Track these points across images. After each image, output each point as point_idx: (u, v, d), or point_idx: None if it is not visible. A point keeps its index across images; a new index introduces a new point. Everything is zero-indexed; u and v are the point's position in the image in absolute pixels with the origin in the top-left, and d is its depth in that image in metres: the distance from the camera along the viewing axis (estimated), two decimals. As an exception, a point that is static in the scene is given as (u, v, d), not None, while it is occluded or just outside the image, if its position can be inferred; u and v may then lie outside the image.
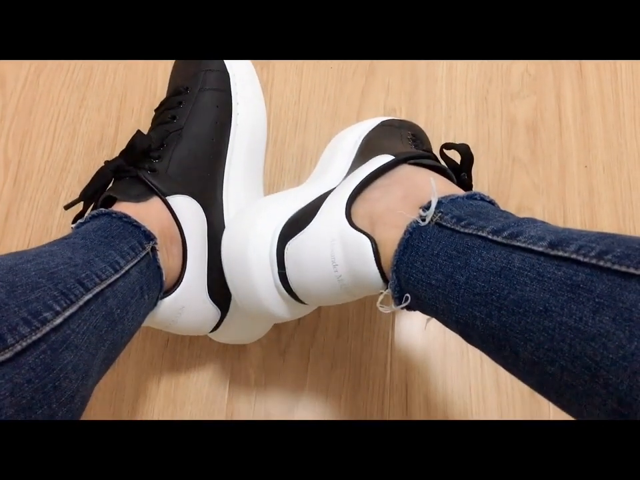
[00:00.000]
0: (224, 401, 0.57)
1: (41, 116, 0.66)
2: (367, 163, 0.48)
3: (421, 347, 0.60)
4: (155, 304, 0.45)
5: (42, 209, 0.63)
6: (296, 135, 0.67)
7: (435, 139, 0.67)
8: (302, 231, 0.44)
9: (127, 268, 0.40)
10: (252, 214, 0.47)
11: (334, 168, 0.53)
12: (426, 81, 0.70)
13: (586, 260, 0.29)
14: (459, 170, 0.47)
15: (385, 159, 0.46)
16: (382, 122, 0.59)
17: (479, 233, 0.35)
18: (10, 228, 0.62)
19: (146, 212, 0.47)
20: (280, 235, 0.45)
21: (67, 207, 0.49)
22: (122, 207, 0.47)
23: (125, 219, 0.44)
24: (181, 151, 0.52)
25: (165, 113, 0.55)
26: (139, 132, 0.52)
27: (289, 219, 0.46)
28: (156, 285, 0.44)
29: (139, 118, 0.67)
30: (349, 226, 0.41)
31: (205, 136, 0.54)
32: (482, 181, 0.66)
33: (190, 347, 0.59)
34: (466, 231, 0.36)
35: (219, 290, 0.50)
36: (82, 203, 0.49)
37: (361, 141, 0.56)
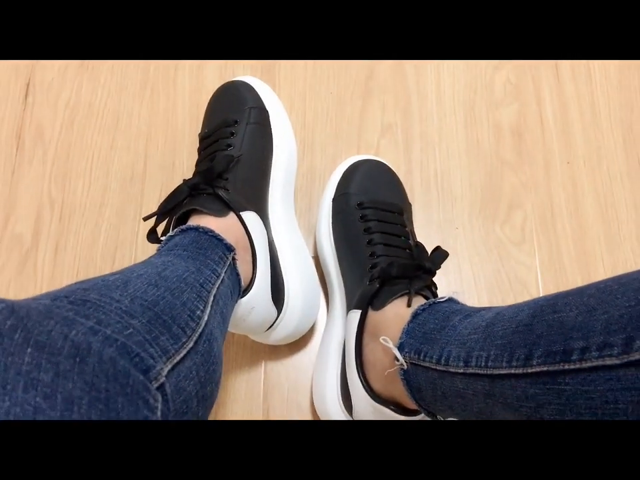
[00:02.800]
0: (260, 397, 0.65)
1: (78, 158, 0.75)
2: (347, 321, 0.58)
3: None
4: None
5: (86, 241, 0.71)
6: (304, 156, 0.75)
7: (429, 149, 0.75)
8: (353, 409, 0.56)
9: (222, 275, 0.48)
10: (320, 386, 0.61)
11: (336, 301, 0.65)
12: (417, 96, 0.78)
13: (481, 372, 0.39)
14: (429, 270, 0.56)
15: (355, 318, 0.56)
16: (334, 214, 0.66)
17: (431, 366, 0.44)
18: (60, 260, 0.70)
19: (225, 226, 0.55)
20: (343, 403, 0.58)
21: (145, 219, 0.56)
22: (204, 221, 0.55)
23: (210, 233, 0.52)
24: (241, 175, 0.61)
25: (220, 141, 0.63)
26: (217, 155, 0.61)
27: (340, 388, 0.59)
28: (237, 289, 0.52)
29: (164, 153, 0.75)
30: (378, 404, 0.52)
31: (257, 163, 0.64)
32: (475, 183, 0.73)
33: (226, 350, 0.66)
34: (426, 364, 0.45)
35: (275, 293, 0.59)
36: (154, 217, 0.57)
37: (334, 251, 0.65)
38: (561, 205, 0.73)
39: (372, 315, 0.56)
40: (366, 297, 0.56)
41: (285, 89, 0.77)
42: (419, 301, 0.53)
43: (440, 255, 0.56)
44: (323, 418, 0.61)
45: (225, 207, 0.57)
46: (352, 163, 0.67)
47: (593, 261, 0.70)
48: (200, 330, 0.39)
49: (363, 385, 0.53)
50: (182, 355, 0.36)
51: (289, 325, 0.61)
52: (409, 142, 0.75)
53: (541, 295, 0.68)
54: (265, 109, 0.69)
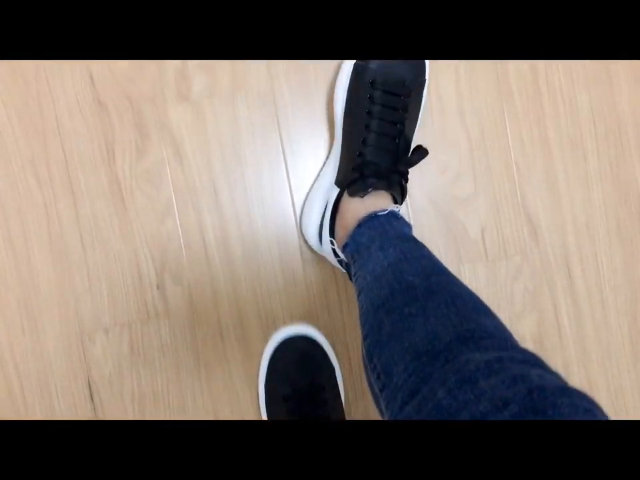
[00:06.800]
0: None
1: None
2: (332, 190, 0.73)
3: None
4: None
5: None
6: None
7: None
8: (322, 242, 0.75)
9: None
10: (305, 225, 0.78)
11: (332, 158, 0.75)
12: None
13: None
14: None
15: (334, 194, 0.72)
16: (351, 80, 0.70)
17: (355, 280, 0.63)
18: None
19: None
20: (318, 237, 0.76)
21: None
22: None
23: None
24: None
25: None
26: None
27: (318, 227, 0.75)
28: None
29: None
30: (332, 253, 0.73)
31: None
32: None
33: None
34: (355, 270, 0.63)
35: None
36: None
37: (341, 119, 0.72)
38: (579, 406, 0.86)
39: (345, 199, 0.69)
40: (344, 182, 0.69)
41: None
42: (385, 199, 0.68)
43: (420, 153, 0.67)
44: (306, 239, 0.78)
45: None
46: None
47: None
48: None
49: (330, 240, 0.72)
50: None
51: None
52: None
53: None
54: (336, 377, 0.79)
